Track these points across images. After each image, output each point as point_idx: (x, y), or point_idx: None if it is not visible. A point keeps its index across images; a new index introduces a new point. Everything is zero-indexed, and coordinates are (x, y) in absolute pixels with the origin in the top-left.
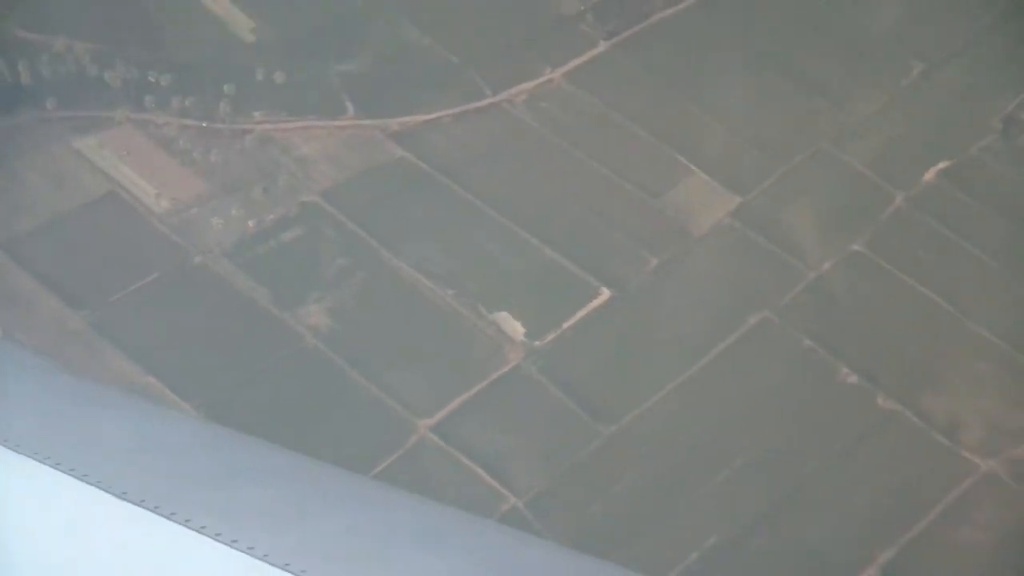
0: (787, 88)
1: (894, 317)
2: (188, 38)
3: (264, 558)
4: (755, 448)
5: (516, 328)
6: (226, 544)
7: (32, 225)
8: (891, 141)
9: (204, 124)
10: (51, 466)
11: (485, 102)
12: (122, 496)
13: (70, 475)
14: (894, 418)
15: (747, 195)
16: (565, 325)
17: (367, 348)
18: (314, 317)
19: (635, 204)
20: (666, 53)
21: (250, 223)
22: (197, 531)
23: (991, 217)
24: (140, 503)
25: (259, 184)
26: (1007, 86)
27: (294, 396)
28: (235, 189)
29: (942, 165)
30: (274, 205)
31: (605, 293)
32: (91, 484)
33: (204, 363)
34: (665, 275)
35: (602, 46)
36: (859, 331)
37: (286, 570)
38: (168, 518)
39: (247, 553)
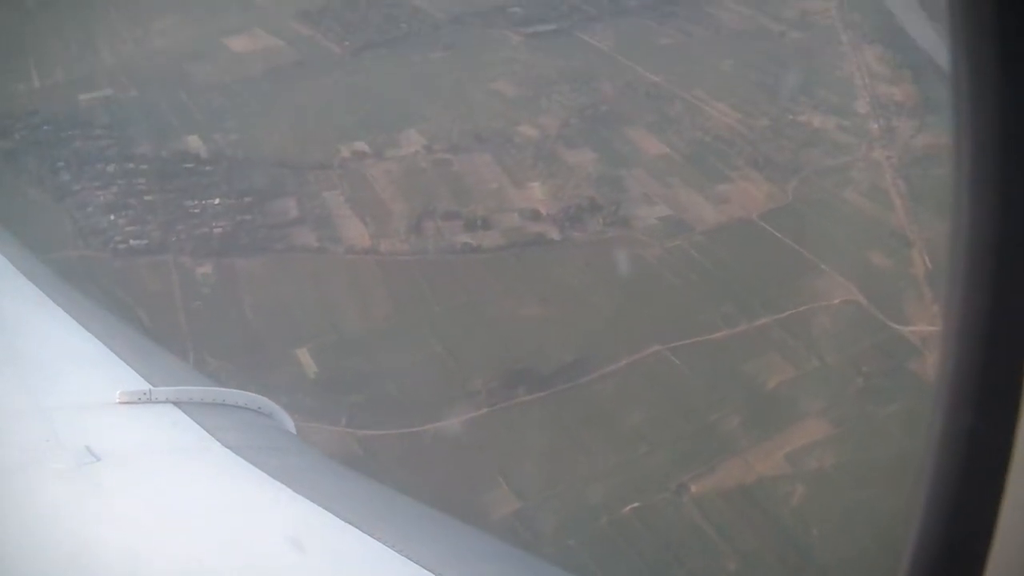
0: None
1: None
2: None
3: None
4: None
5: None
6: None
7: None
8: (624, 488)
9: None
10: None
11: (417, 428)
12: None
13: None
14: None
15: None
16: None
17: None
18: None
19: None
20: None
21: None
22: None
23: (658, 539)
24: None
25: None
26: (688, 467)
27: None
28: None
29: (635, 504)
30: None
31: None
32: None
33: None
34: None
35: (485, 410)
36: None
37: None
38: None
39: None
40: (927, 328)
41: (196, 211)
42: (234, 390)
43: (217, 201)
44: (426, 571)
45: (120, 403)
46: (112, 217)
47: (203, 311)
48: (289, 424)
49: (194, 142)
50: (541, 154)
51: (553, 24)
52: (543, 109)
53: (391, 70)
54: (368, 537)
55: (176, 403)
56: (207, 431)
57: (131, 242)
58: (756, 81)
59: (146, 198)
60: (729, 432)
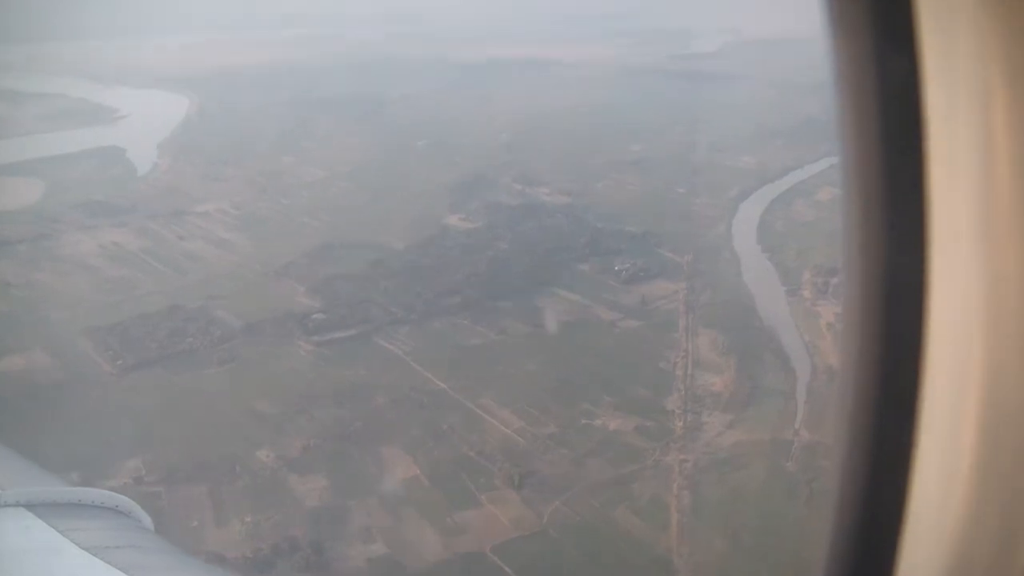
0: None
1: None
2: None
3: None
4: None
5: None
6: None
7: None
8: None
9: None
10: None
11: None
12: None
13: None
14: None
15: None
16: None
17: None
18: None
19: None
20: None
21: None
22: None
23: None
24: None
25: None
26: None
27: None
28: None
29: None
30: None
31: None
32: None
33: None
34: None
35: None
36: None
37: None
38: None
39: None
40: None
41: None
42: (89, 489)
43: None
44: None
45: None
46: None
47: None
48: (147, 521)
49: None
50: (264, 484)
51: (353, 330)
52: (294, 429)
53: (152, 390)
54: None
55: (28, 505)
56: (61, 533)
57: None
58: (558, 380)
59: None
60: None
